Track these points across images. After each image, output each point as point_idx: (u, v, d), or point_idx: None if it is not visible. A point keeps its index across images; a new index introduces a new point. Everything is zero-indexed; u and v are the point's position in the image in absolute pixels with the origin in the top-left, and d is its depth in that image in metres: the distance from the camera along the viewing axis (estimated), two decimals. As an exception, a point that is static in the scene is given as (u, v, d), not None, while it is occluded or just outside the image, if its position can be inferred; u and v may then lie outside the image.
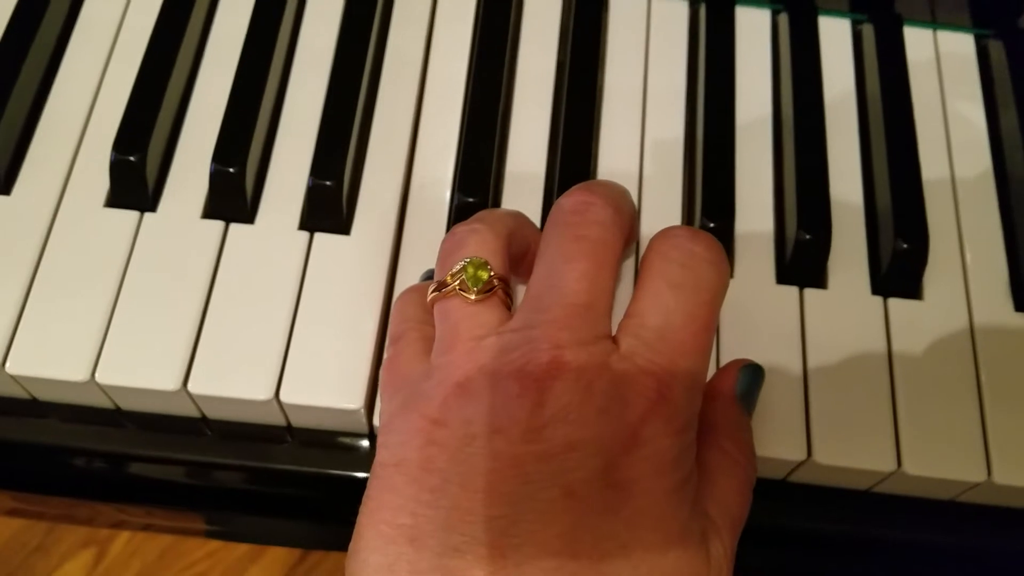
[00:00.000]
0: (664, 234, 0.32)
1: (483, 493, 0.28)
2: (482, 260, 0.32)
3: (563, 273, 0.31)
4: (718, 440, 0.33)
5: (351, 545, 0.30)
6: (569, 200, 0.33)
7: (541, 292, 0.31)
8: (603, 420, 0.28)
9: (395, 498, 0.29)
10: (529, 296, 0.31)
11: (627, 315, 0.31)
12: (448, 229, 0.41)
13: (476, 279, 0.32)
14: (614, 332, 0.31)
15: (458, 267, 0.32)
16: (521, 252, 0.35)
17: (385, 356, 0.35)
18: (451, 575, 0.27)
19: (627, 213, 0.33)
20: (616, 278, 0.32)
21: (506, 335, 0.30)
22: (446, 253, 0.33)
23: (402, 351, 0.34)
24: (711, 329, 0.31)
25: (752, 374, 0.36)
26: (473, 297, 0.31)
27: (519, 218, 0.36)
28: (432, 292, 0.33)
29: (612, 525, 0.28)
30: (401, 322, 0.35)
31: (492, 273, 0.32)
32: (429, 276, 0.38)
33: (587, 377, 0.29)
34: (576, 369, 0.29)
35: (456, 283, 0.32)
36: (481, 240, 0.33)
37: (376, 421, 0.37)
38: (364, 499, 0.30)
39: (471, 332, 0.31)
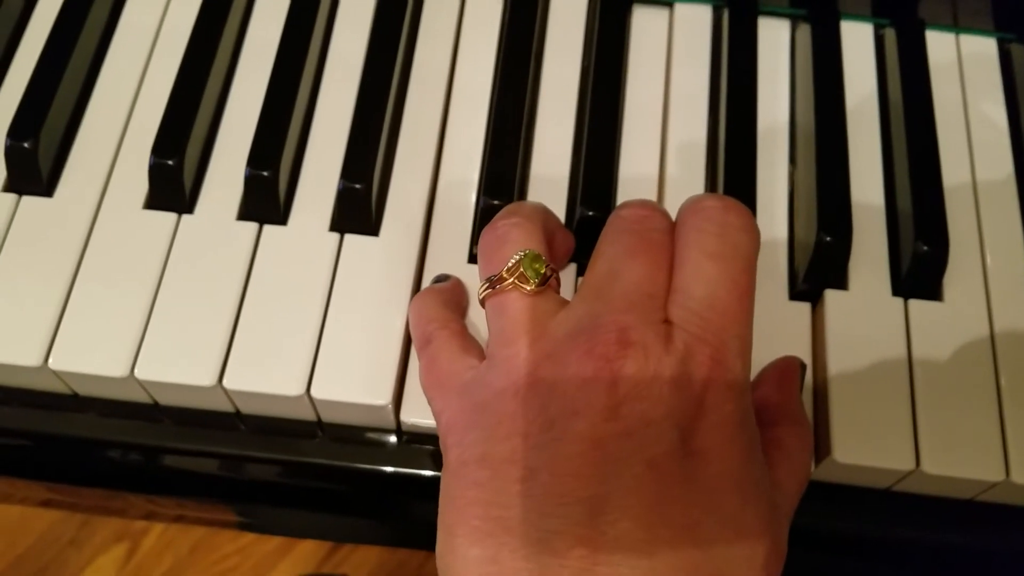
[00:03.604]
0: (695, 207, 0.33)
1: (572, 476, 0.29)
2: (536, 252, 0.33)
3: (626, 267, 0.32)
4: (800, 428, 0.36)
5: (441, 545, 0.31)
6: (630, 210, 0.34)
7: (602, 284, 0.32)
8: (673, 393, 0.30)
9: (483, 493, 0.30)
10: (588, 288, 0.32)
11: (672, 287, 0.32)
12: (473, 232, 0.42)
13: (535, 271, 0.33)
14: None
15: (513, 261, 0.33)
16: (549, 241, 0.36)
17: (420, 361, 0.36)
18: (555, 556, 0.28)
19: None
20: (668, 276, 0.33)
21: (570, 321, 0.31)
22: (491, 247, 0.34)
23: (438, 352, 0.35)
24: (752, 293, 0.32)
25: (802, 369, 0.38)
26: (531, 288, 0.32)
27: (545, 209, 0.37)
28: (485, 289, 0.33)
29: (696, 492, 0.29)
30: (424, 324, 0.36)
31: (547, 263, 0.33)
32: (439, 280, 0.39)
33: (655, 354, 0.30)
34: (643, 348, 0.30)
35: (514, 277, 0.33)
36: (525, 233, 0.34)
37: (404, 417, 0.38)
38: (446, 499, 0.31)
39: (533, 322, 0.32)
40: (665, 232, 0.33)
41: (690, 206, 0.33)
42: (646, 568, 0.28)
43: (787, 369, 0.37)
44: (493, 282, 0.33)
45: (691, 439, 0.29)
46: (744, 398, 0.31)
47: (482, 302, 0.34)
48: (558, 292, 0.34)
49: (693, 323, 0.31)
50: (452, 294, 0.39)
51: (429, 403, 0.34)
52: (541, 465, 0.29)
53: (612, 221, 0.34)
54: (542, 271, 0.33)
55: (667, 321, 0.31)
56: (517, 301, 0.33)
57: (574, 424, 0.29)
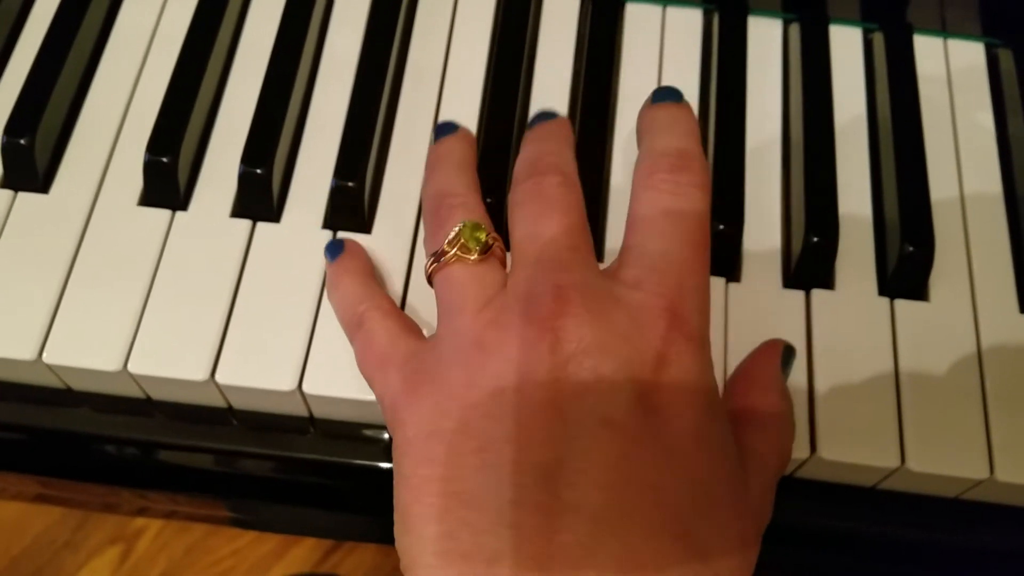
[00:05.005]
0: (650, 166, 0.33)
1: (527, 442, 0.28)
2: (475, 222, 0.34)
3: (541, 229, 0.32)
4: (772, 395, 0.35)
5: (398, 525, 0.30)
6: (523, 186, 0.34)
7: (527, 249, 0.32)
8: (626, 346, 0.29)
9: (437, 468, 0.29)
10: (516, 255, 0.33)
11: (625, 248, 0.32)
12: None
13: (475, 239, 0.33)
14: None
15: (454, 233, 0.33)
16: None
17: (354, 345, 0.35)
18: (513, 529, 0.27)
19: (573, 161, 0.36)
20: (587, 227, 0.33)
21: (510, 291, 0.32)
22: (434, 226, 0.35)
23: (372, 333, 0.34)
24: (708, 245, 0.32)
25: (790, 352, 0.38)
26: (474, 258, 0.33)
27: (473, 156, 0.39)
28: (431, 264, 0.34)
29: (657, 449, 0.28)
30: (352, 306, 0.36)
31: (488, 232, 0.33)
32: (336, 249, 0.39)
33: (597, 307, 0.30)
34: (583, 302, 0.30)
35: (456, 248, 0.33)
36: (467, 209, 0.35)
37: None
38: (400, 478, 0.30)
39: (478, 293, 0.32)
40: (564, 183, 0.34)
41: (644, 165, 0.34)
42: (607, 532, 0.27)
43: (768, 345, 0.37)
44: (437, 256, 0.33)
45: (650, 394, 0.29)
46: (704, 352, 0.31)
47: (429, 279, 0.34)
48: (504, 261, 0.34)
49: (649, 280, 0.31)
50: (364, 264, 0.39)
51: (370, 386, 0.34)
52: (495, 434, 0.29)
53: (511, 197, 0.35)
54: (483, 239, 0.33)
55: (619, 279, 0.31)
56: (460, 271, 0.33)
57: (525, 388, 0.29)
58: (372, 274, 0.39)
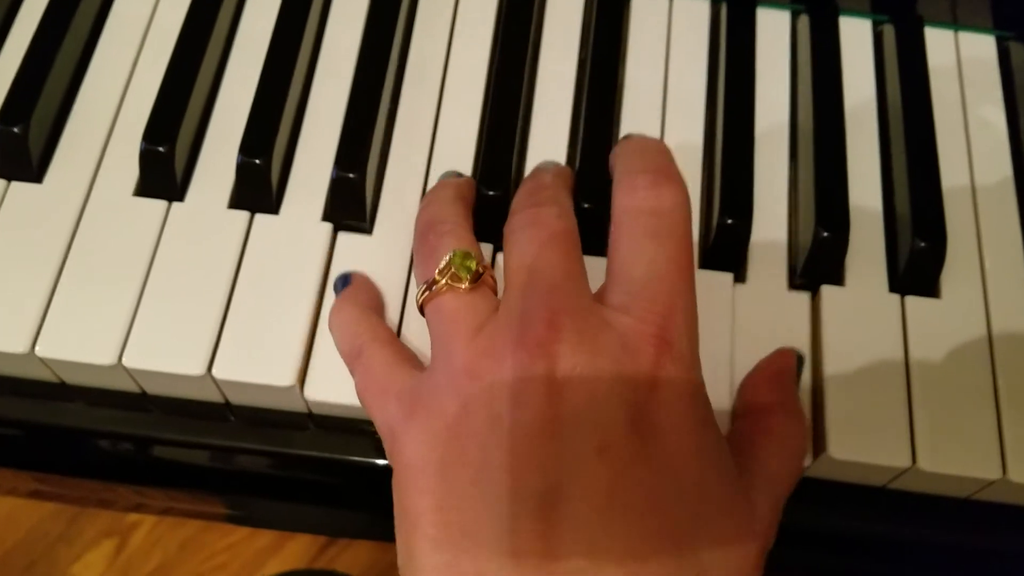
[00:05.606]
0: (627, 186, 0.33)
1: (524, 469, 0.28)
2: (466, 250, 0.33)
3: (536, 260, 0.32)
4: (780, 411, 0.35)
5: (401, 555, 0.30)
6: (520, 215, 0.35)
7: (522, 280, 0.32)
8: (618, 371, 0.29)
9: (434, 499, 0.29)
10: (509, 285, 0.33)
11: (610, 274, 0.32)
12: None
13: (466, 268, 0.33)
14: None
15: (444, 262, 0.33)
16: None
17: (354, 376, 0.35)
18: (513, 557, 0.27)
19: (570, 199, 0.36)
20: (582, 257, 0.33)
21: (502, 318, 0.31)
22: (424, 255, 0.35)
23: (371, 363, 0.34)
24: (692, 264, 0.32)
25: (799, 361, 0.38)
26: (465, 286, 0.33)
27: (469, 197, 0.39)
28: (422, 293, 0.34)
29: (653, 471, 0.28)
30: (352, 338, 0.36)
31: (478, 261, 0.33)
32: (345, 282, 0.39)
33: (590, 333, 0.30)
34: (576, 329, 0.30)
35: (446, 278, 0.33)
36: (456, 238, 0.35)
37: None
38: (399, 512, 0.30)
39: (469, 322, 0.32)
40: (562, 215, 0.34)
41: (622, 187, 0.33)
42: (606, 558, 0.27)
43: (781, 360, 0.37)
44: (428, 284, 0.33)
45: (643, 418, 0.29)
46: (695, 372, 0.31)
47: (421, 309, 0.34)
48: (494, 289, 0.34)
49: (637, 305, 0.31)
50: (367, 295, 0.38)
51: (370, 416, 0.34)
52: (491, 462, 0.29)
53: (507, 226, 0.35)
54: (474, 268, 0.33)
55: (608, 305, 0.31)
56: (452, 301, 0.33)
57: (520, 415, 0.29)
58: (375, 305, 0.38)
